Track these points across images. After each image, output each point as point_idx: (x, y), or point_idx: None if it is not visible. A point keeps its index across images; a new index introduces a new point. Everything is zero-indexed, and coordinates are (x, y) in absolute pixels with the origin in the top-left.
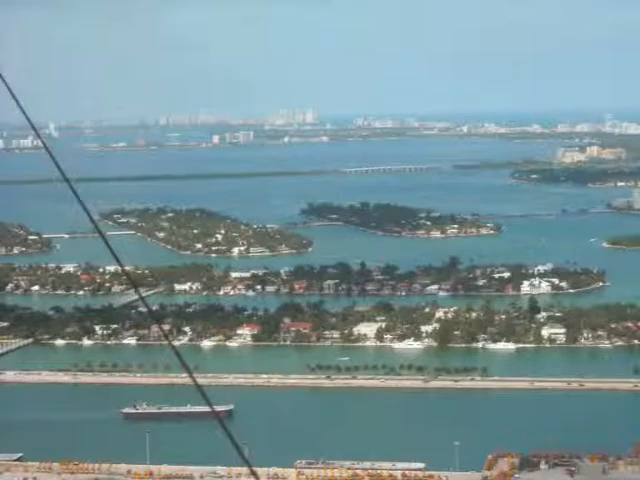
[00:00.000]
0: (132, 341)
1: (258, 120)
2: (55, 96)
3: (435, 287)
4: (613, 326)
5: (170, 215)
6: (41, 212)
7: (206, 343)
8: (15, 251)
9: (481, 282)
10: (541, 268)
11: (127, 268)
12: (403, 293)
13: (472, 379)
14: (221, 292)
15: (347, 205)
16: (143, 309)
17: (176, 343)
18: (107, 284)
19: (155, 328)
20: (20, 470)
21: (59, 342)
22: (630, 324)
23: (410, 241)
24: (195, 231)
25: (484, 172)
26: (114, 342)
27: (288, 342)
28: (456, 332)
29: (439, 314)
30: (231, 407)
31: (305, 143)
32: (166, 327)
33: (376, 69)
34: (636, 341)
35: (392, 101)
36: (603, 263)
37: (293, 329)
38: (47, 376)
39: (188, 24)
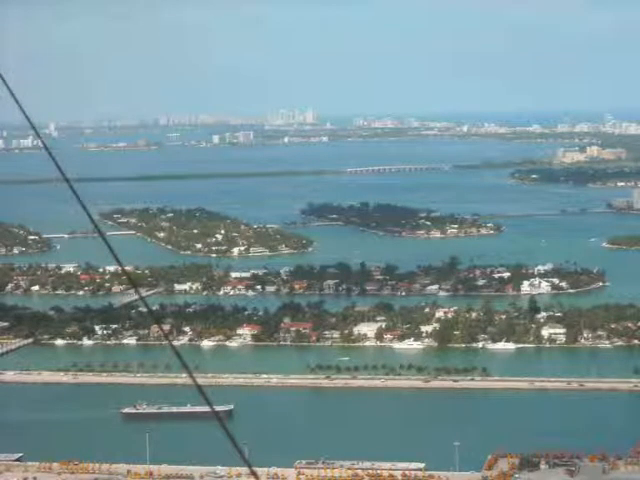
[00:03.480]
0: (132, 341)
1: (258, 120)
2: (55, 96)
3: (435, 287)
4: (613, 326)
5: (170, 215)
6: (41, 212)
7: (206, 343)
8: (15, 251)
9: (481, 282)
10: (541, 268)
11: (127, 268)
12: (403, 293)
13: (472, 379)
14: (221, 292)
15: (347, 205)
16: (143, 309)
17: (176, 343)
18: (107, 284)
19: (155, 328)
20: (20, 470)
21: (59, 342)
22: (630, 324)
23: (410, 241)
24: (195, 231)
25: (484, 172)
26: (114, 342)
27: (288, 342)
28: (456, 332)
29: (439, 314)
30: (231, 407)
31: (305, 143)
32: (166, 327)
33: (376, 69)
34: (636, 341)
35: (392, 101)
36: (603, 263)
37: (293, 329)
38: (47, 376)
39: (189, 24)
